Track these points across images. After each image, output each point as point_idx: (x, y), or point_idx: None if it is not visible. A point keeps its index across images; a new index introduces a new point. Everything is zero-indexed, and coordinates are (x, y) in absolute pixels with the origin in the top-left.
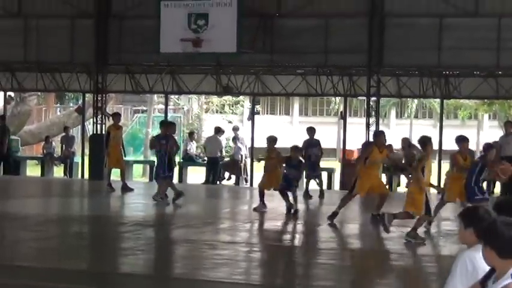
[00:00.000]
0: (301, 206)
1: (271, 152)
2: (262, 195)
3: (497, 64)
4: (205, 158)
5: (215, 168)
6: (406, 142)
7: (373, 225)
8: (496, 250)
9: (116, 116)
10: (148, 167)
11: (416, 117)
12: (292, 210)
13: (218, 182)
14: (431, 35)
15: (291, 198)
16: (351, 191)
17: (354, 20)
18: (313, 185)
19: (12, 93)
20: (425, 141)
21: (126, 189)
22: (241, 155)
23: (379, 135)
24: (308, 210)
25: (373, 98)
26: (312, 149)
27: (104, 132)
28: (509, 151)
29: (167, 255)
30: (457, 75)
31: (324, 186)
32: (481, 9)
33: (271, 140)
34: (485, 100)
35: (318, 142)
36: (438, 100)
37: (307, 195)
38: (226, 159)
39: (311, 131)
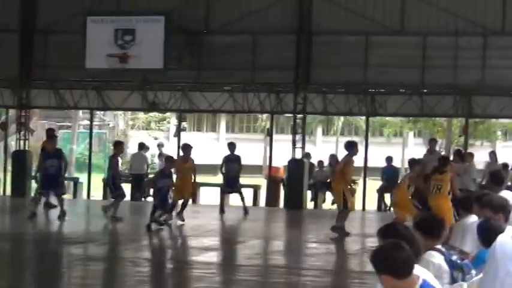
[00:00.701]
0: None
1: (188, 159)
2: (174, 207)
3: (422, 82)
4: (130, 175)
5: (140, 184)
6: (333, 159)
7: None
8: (393, 274)
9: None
10: (72, 183)
11: (342, 134)
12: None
13: (143, 199)
14: (357, 53)
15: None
16: (345, 207)
17: (281, 37)
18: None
19: None
20: (352, 145)
21: (49, 205)
22: None
23: (356, 145)
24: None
25: (300, 115)
26: (231, 164)
27: (27, 148)
28: None
29: (90, 272)
30: (383, 92)
31: (250, 203)
32: (407, 28)
33: (189, 146)
34: (410, 118)
35: (238, 157)
36: (364, 117)
37: (222, 210)
38: (152, 175)
39: (231, 146)
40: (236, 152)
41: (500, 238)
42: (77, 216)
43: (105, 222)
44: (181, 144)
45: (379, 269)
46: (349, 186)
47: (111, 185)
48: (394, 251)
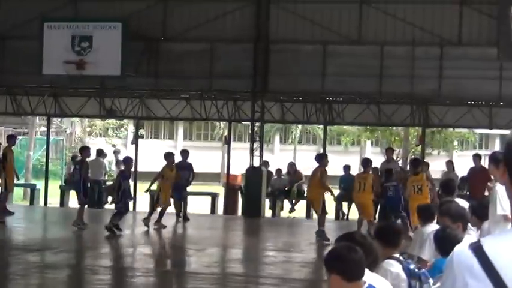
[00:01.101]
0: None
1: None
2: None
3: (380, 91)
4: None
5: (98, 191)
6: (292, 167)
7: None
8: (342, 274)
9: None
10: (29, 190)
11: (300, 142)
12: None
13: (101, 206)
14: (315, 62)
15: None
16: (324, 212)
17: (238, 45)
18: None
19: None
20: (322, 157)
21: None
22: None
23: (326, 157)
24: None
25: (258, 123)
26: (182, 171)
27: None
28: None
29: (47, 280)
30: (340, 101)
31: (208, 211)
32: (364, 37)
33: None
34: (368, 126)
35: (190, 165)
36: (322, 126)
37: (178, 217)
38: (109, 182)
39: (184, 153)
40: (189, 160)
41: (457, 248)
42: (34, 223)
43: (62, 229)
44: (165, 152)
45: (330, 268)
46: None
47: (81, 190)
48: (348, 252)
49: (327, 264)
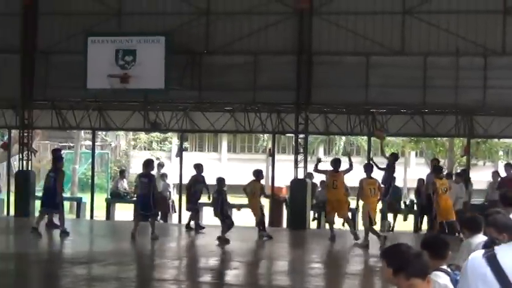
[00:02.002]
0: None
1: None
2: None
3: (424, 102)
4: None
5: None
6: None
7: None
8: (395, 269)
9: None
10: (75, 203)
11: (344, 154)
12: None
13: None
14: (358, 73)
15: None
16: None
17: (282, 57)
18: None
19: None
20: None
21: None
22: (170, 192)
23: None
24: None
25: (301, 135)
26: (198, 184)
27: (30, 168)
28: None
29: None
30: (384, 112)
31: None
32: (407, 48)
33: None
34: (412, 137)
35: (203, 178)
36: (366, 137)
37: (188, 228)
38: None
39: (198, 167)
40: (203, 173)
41: (471, 256)
42: (81, 236)
43: (109, 242)
44: (193, 163)
45: (391, 263)
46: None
47: (151, 203)
48: (408, 249)
49: (388, 259)
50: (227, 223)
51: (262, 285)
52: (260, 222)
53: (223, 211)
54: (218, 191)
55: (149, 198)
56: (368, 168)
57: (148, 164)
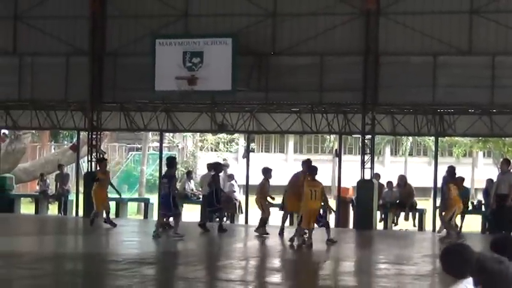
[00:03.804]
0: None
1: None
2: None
3: (492, 102)
4: (200, 196)
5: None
6: (402, 179)
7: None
8: (486, 286)
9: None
10: (143, 204)
11: (411, 154)
12: None
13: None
14: (425, 73)
15: None
16: None
17: (348, 58)
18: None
19: (6, 131)
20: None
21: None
22: (235, 192)
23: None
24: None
25: (368, 136)
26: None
27: None
28: (504, 189)
29: None
30: (452, 112)
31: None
32: (475, 48)
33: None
34: (480, 138)
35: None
36: (433, 138)
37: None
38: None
39: (215, 167)
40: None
41: None
42: (149, 237)
43: (175, 243)
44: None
45: (476, 277)
46: None
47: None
48: (496, 263)
49: (474, 274)
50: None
51: (329, 285)
52: (266, 220)
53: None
54: None
55: (169, 198)
56: (313, 169)
57: (170, 164)
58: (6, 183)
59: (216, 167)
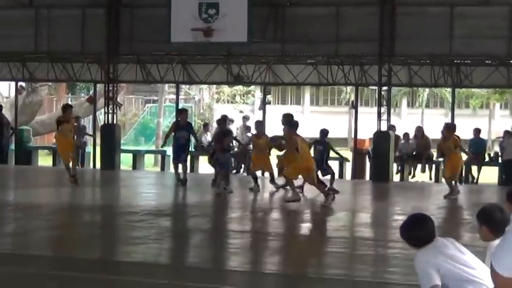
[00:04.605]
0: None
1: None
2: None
3: (509, 53)
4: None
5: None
6: (419, 131)
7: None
8: (490, 229)
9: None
10: (160, 156)
11: (427, 106)
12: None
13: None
14: (442, 24)
15: None
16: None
17: (364, 8)
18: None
19: (23, 83)
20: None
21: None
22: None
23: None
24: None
25: (385, 88)
26: (180, 131)
27: (115, 122)
28: None
29: (180, 244)
30: (469, 64)
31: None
32: None
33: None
34: (497, 89)
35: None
36: (450, 89)
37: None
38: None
39: (222, 121)
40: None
41: None
42: (165, 189)
43: (193, 195)
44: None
45: (481, 220)
46: None
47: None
48: (498, 211)
49: (479, 217)
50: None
51: (345, 237)
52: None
53: None
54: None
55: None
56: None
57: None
58: (24, 135)
59: (218, 122)
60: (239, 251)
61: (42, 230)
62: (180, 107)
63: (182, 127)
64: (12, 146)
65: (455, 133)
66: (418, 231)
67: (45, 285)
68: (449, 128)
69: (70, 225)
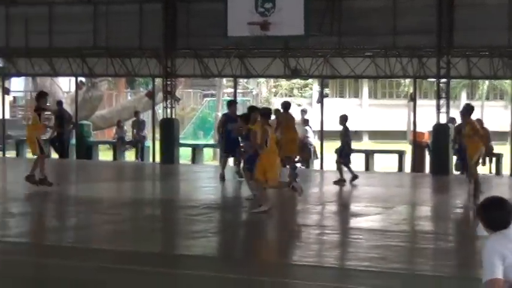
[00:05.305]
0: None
1: None
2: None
3: None
4: None
5: None
6: (479, 123)
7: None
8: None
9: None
10: (218, 150)
11: (487, 98)
12: None
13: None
14: (501, 15)
15: None
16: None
17: (422, 0)
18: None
19: (83, 79)
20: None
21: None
22: (310, 138)
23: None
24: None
25: (443, 80)
26: (231, 124)
27: (174, 116)
28: None
29: (238, 237)
30: None
31: (395, 168)
32: None
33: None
34: None
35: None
36: (509, 81)
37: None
38: None
39: (231, 105)
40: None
41: None
42: (227, 182)
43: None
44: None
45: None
46: None
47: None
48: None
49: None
50: None
51: (405, 230)
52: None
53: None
54: None
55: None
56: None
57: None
58: (84, 130)
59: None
60: (300, 244)
61: (103, 224)
62: (237, 100)
63: (232, 119)
64: (73, 141)
65: (472, 117)
66: (497, 211)
67: (106, 278)
68: (463, 112)
69: (131, 219)
